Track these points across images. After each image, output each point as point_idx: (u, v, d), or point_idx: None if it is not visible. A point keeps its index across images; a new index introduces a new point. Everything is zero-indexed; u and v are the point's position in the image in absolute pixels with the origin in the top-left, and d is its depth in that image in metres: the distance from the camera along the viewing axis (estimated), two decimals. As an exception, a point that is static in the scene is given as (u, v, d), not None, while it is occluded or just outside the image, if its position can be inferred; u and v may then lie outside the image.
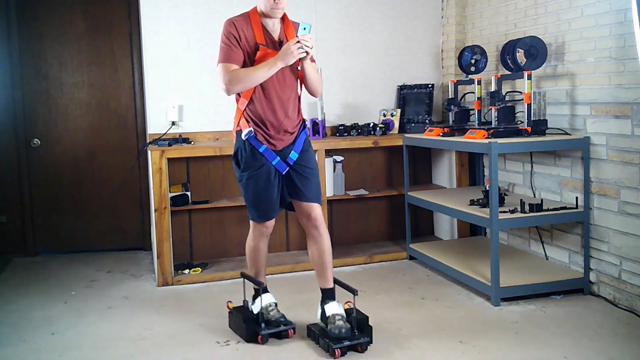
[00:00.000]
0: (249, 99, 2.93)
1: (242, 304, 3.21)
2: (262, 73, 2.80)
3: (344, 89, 4.81)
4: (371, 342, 2.94)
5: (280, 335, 3.06)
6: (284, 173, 2.99)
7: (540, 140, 3.54)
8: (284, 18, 2.98)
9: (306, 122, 3.13)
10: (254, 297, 3.16)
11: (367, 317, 2.97)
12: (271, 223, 3.10)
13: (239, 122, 2.99)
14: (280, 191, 3.02)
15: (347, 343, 2.84)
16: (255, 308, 3.11)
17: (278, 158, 2.96)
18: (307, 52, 2.78)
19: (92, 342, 3.14)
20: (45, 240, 5.04)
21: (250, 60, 2.88)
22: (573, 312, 3.33)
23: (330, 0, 4.72)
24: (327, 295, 3.04)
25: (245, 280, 3.24)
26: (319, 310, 3.06)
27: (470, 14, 4.79)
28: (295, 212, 3.12)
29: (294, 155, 2.99)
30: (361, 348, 2.87)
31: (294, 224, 4.65)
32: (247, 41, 2.87)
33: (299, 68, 2.91)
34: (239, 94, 2.97)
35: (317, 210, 3.01)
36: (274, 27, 2.94)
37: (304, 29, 2.77)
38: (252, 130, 2.93)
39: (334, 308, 2.96)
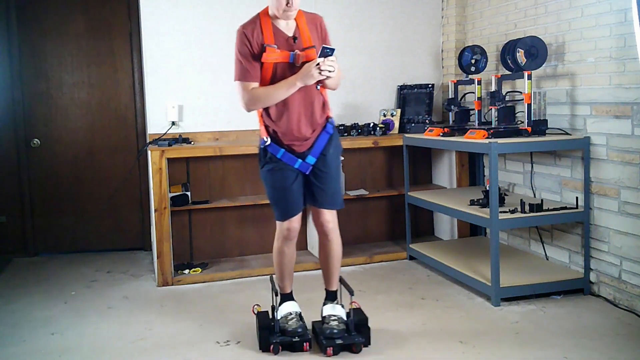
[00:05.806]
0: None
1: (266, 310, 3.08)
2: (281, 93, 2.79)
3: (344, 89, 4.78)
4: (368, 344, 2.92)
5: (294, 347, 2.91)
6: (307, 173, 2.94)
7: (540, 140, 3.54)
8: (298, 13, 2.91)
9: (332, 121, 2.99)
10: (280, 303, 3.09)
11: (367, 319, 2.96)
12: (294, 225, 2.95)
13: (261, 125, 2.97)
14: (303, 189, 2.96)
15: (339, 342, 2.86)
16: (279, 315, 3.01)
17: (300, 161, 2.91)
18: (327, 77, 2.73)
19: (92, 342, 3.14)
20: (45, 240, 5.03)
21: (257, 61, 2.82)
22: (573, 312, 3.33)
23: (330, 0, 4.72)
24: (328, 296, 3.11)
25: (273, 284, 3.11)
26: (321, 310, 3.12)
27: (470, 14, 4.79)
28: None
29: (310, 160, 2.93)
30: (356, 348, 2.87)
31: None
32: (257, 44, 2.81)
33: (318, 87, 2.87)
34: None
35: (327, 216, 2.98)
36: (288, 25, 2.87)
37: (327, 52, 2.70)
38: (267, 139, 2.90)
39: (329, 309, 3.03)
